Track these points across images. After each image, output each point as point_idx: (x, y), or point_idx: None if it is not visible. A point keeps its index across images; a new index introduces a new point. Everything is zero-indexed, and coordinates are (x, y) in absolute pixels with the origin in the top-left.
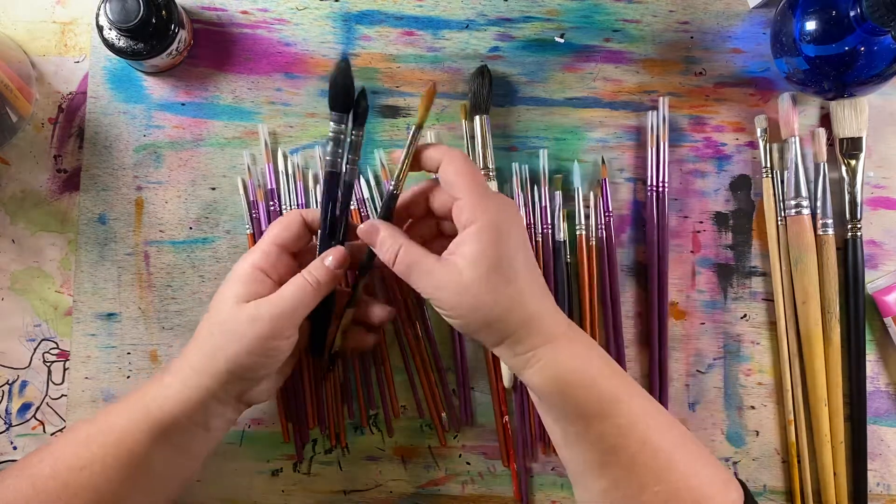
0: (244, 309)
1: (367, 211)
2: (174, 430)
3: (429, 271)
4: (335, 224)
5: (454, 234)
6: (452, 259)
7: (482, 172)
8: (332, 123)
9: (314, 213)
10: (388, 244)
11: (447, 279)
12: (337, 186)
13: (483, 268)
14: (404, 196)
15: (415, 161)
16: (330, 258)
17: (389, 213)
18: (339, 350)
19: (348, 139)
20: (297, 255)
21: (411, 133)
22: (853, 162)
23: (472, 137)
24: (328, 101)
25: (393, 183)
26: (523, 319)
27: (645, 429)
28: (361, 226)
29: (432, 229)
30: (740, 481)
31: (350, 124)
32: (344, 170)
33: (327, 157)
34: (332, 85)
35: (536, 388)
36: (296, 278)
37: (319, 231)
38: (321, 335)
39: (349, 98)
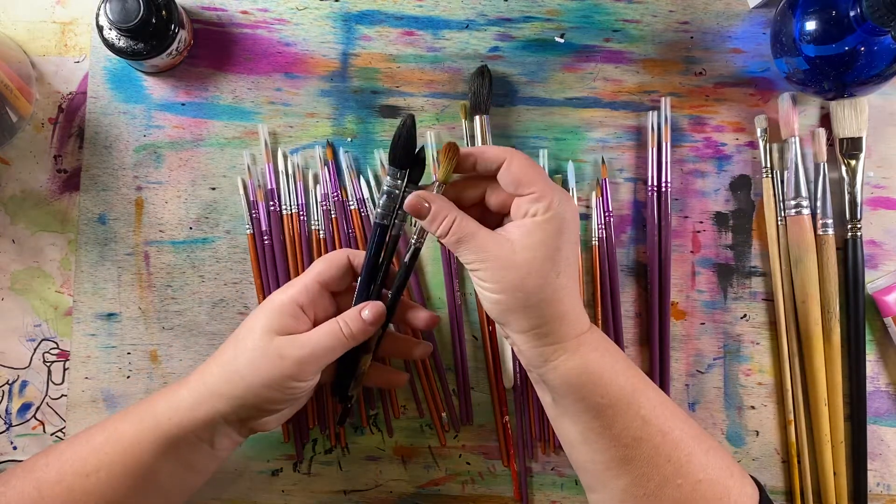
0: (273, 343)
1: (366, 211)
2: (182, 444)
3: (482, 243)
4: (377, 273)
5: (498, 209)
6: (507, 236)
7: None
8: (388, 178)
9: (361, 255)
10: (443, 215)
11: (498, 253)
12: (385, 238)
13: (539, 254)
14: (456, 188)
15: (462, 166)
16: (367, 311)
17: (410, 269)
18: (353, 399)
19: (401, 193)
20: (337, 295)
21: (435, 190)
22: (853, 162)
23: (472, 137)
24: (388, 156)
25: (415, 237)
26: (559, 313)
27: (665, 420)
28: (409, 198)
29: (475, 197)
30: (752, 477)
31: (405, 180)
32: (392, 223)
33: (379, 210)
34: (395, 140)
35: (557, 383)
36: (330, 324)
37: (360, 278)
38: (348, 377)
39: (409, 155)
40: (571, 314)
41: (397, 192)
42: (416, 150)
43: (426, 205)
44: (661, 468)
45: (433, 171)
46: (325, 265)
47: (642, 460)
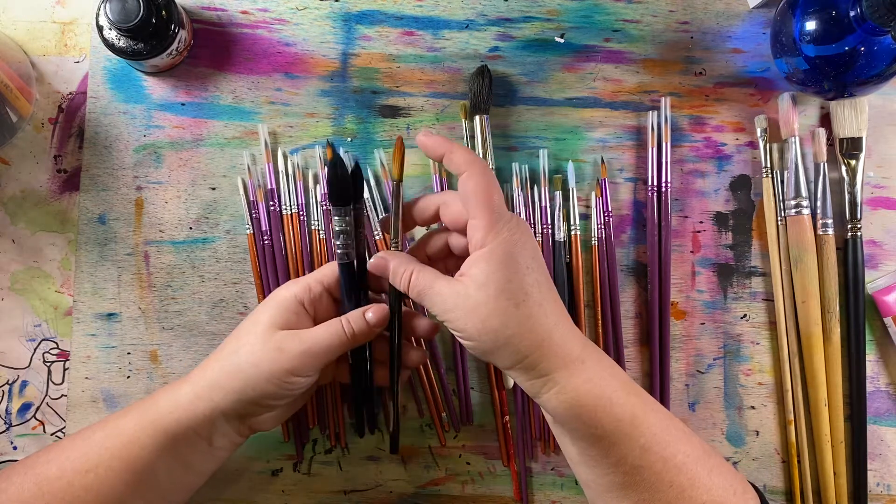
0: (273, 337)
1: (368, 212)
2: (180, 440)
3: (440, 294)
4: (358, 301)
5: (462, 253)
6: (462, 280)
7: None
8: (335, 217)
9: (370, 264)
10: (401, 271)
11: (457, 301)
12: (353, 274)
13: (491, 290)
14: (418, 202)
15: (434, 154)
16: (371, 313)
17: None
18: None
19: (351, 221)
20: (340, 302)
21: (392, 189)
22: (853, 162)
23: (472, 137)
24: (328, 196)
25: (393, 242)
26: (535, 343)
27: (666, 446)
28: (371, 261)
29: (442, 245)
30: (752, 485)
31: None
32: (355, 257)
33: (338, 251)
34: (331, 183)
35: (553, 413)
36: (333, 322)
37: (342, 306)
38: (361, 411)
39: (349, 191)
40: (551, 340)
41: (349, 228)
42: (352, 171)
43: (387, 259)
44: (663, 493)
45: (391, 172)
46: (331, 269)
47: (643, 486)
